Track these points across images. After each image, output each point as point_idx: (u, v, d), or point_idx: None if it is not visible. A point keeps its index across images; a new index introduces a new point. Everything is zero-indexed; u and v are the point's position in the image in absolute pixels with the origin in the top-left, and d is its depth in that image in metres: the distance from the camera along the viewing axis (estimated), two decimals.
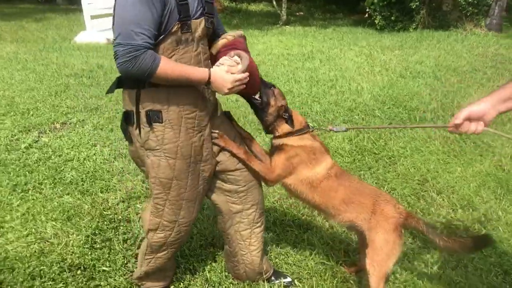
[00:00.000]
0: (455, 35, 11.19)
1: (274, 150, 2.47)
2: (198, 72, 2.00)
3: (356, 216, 2.38)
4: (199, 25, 2.04)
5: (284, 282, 2.75)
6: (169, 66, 1.93)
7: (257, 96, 2.40)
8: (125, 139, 2.28)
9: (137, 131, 2.12)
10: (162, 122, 2.08)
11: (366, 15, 13.11)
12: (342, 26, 13.75)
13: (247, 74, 2.06)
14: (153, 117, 2.07)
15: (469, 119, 1.81)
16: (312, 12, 16.80)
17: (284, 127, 2.44)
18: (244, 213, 2.50)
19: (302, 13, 15.67)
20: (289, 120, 2.43)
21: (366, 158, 4.49)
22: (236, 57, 2.06)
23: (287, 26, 13.78)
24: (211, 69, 2.03)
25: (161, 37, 1.95)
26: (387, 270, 2.28)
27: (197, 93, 2.13)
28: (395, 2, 12.33)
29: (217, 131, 2.30)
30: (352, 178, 2.51)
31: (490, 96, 1.79)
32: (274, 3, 14.56)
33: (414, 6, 11.88)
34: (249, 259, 2.61)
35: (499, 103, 1.77)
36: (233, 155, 2.35)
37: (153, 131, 2.09)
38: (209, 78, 2.01)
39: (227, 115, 2.49)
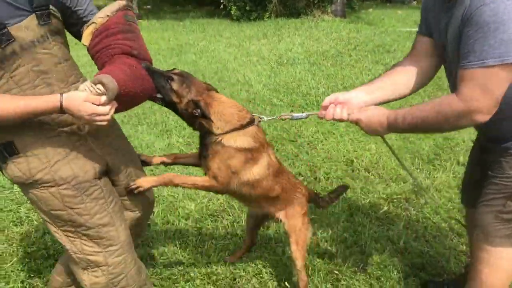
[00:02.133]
0: (307, 22, 11.91)
1: (209, 151, 2.09)
2: (46, 103, 1.64)
3: (279, 207, 2.41)
4: (26, 28, 1.66)
5: None
6: (5, 107, 1.61)
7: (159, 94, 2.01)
8: None
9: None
10: (19, 153, 1.76)
11: (221, 6, 13.19)
12: (197, 18, 13.63)
13: (108, 108, 1.66)
14: (8, 150, 1.76)
15: (335, 103, 2.01)
16: (159, 6, 16.32)
17: (218, 125, 2.04)
18: None
19: (149, 6, 15.11)
20: (202, 116, 1.99)
21: (288, 146, 4.52)
22: (99, 86, 1.64)
23: (140, 20, 13.16)
24: (65, 94, 1.64)
25: None
26: (306, 249, 2.51)
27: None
28: None
29: (133, 182, 2.04)
30: (286, 172, 2.41)
31: (357, 88, 2.08)
32: None
33: None
34: None
35: (365, 94, 2.01)
36: (167, 185, 2.14)
37: (15, 165, 1.78)
38: (61, 105, 1.64)
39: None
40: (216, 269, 2.76)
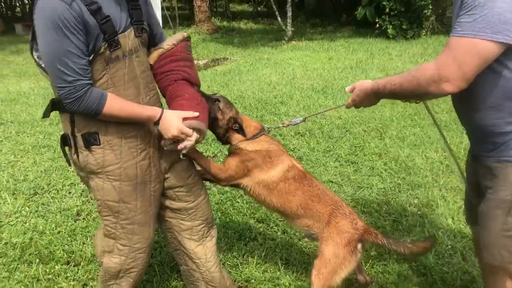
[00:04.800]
0: None
1: (230, 153, 2.50)
2: (149, 111, 1.99)
3: (313, 224, 2.37)
4: (128, 37, 1.97)
5: None
6: (116, 106, 1.90)
7: None
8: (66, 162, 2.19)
9: (76, 155, 2.05)
10: (100, 144, 2.01)
11: (377, 25, 13.21)
12: (348, 37, 13.75)
13: (195, 135, 2.03)
14: (90, 140, 2.00)
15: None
16: (301, 28, 16.72)
17: (237, 137, 2.45)
18: (194, 229, 2.43)
19: (293, 28, 15.50)
20: (240, 130, 2.43)
21: None
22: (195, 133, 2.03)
23: (293, 41, 13.61)
24: (166, 110, 2.01)
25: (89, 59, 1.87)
26: (332, 284, 2.25)
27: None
28: (404, 11, 12.56)
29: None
30: (314, 182, 2.46)
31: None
32: (279, 19, 14.35)
33: (429, 13, 12.13)
34: (209, 277, 2.51)
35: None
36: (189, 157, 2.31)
37: (92, 154, 2.02)
38: (160, 117, 1.99)
39: None
40: None
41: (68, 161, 2.16)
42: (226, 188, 4.07)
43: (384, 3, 12.68)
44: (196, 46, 13.67)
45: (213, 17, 17.46)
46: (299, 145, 5.07)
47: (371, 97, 2.08)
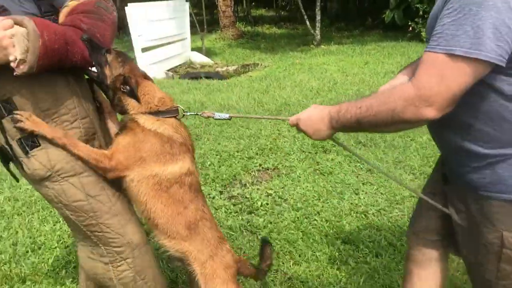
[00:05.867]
0: None
1: (121, 128, 1.94)
2: None
3: (194, 253, 1.94)
4: None
5: None
6: None
7: (94, 68, 1.90)
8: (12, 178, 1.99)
9: (20, 167, 1.81)
10: (40, 145, 1.76)
11: (410, 28, 12.88)
12: (378, 42, 13.42)
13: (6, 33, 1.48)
14: (28, 144, 1.76)
15: None
16: (326, 32, 16.44)
17: (134, 105, 1.90)
18: None
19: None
20: (131, 95, 1.87)
21: None
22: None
23: (322, 45, 13.31)
24: None
25: None
26: None
27: (71, 100, 1.81)
28: None
29: (20, 112, 1.69)
30: (206, 203, 2.03)
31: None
32: (308, 23, 14.05)
33: None
34: None
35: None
36: (50, 142, 1.77)
37: (35, 159, 1.77)
38: None
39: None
40: None
41: (14, 176, 1.97)
42: (299, 204, 3.79)
43: (418, 5, 12.37)
44: (223, 52, 13.48)
45: (237, 22, 17.27)
46: (365, 156, 4.75)
47: (325, 125, 1.65)
